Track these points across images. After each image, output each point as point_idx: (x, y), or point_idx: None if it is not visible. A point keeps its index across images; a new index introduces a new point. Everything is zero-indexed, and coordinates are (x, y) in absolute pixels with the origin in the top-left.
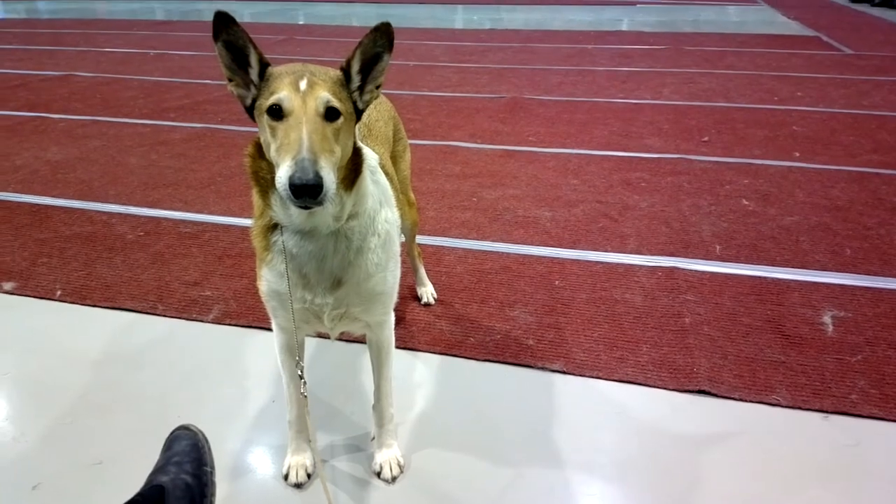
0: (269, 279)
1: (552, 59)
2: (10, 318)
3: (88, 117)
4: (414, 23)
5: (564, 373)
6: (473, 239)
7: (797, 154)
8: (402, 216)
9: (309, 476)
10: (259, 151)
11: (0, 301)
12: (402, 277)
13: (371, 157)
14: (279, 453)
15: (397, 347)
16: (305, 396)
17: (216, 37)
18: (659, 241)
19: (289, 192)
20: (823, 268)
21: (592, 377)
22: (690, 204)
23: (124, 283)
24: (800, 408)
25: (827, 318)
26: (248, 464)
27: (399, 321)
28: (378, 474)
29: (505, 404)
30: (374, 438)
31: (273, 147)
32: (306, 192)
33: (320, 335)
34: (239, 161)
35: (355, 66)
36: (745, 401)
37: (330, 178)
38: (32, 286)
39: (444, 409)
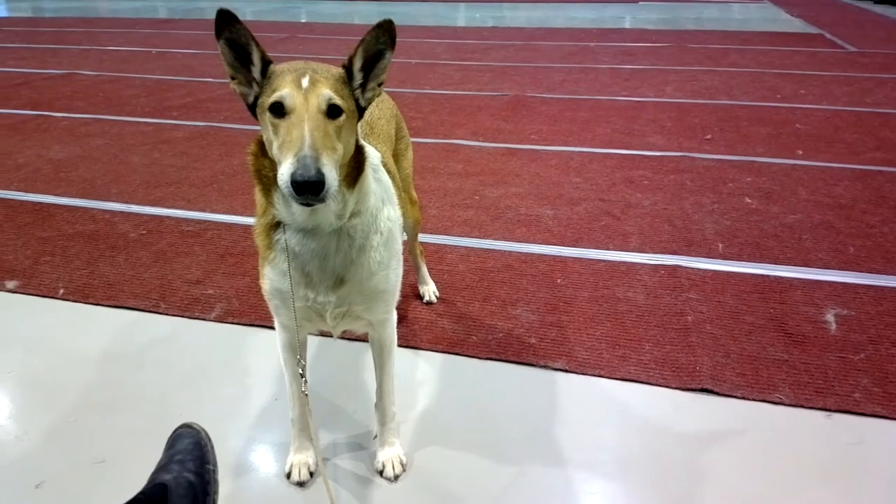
0: (271, 277)
1: (554, 56)
2: (12, 316)
3: (91, 116)
4: (416, 20)
5: (566, 371)
6: (475, 237)
7: (800, 152)
8: (404, 214)
9: (311, 474)
10: (262, 149)
11: (3, 300)
12: (404, 276)
13: (373, 155)
14: (281, 451)
15: (399, 346)
16: (307, 395)
17: (218, 35)
18: (661, 240)
19: (291, 189)
20: (826, 266)
21: (594, 375)
22: (693, 202)
23: (127, 282)
24: (802, 406)
25: (830, 317)
26: (251, 462)
27: (401, 319)
28: (380, 472)
29: (507, 402)
30: (376, 437)
31: (275, 144)
32: (308, 188)
33: (323, 333)
34: (241, 159)
35: (357, 64)
36: (748, 399)
37: (332, 175)
38: (35, 285)
39: (446, 407)
